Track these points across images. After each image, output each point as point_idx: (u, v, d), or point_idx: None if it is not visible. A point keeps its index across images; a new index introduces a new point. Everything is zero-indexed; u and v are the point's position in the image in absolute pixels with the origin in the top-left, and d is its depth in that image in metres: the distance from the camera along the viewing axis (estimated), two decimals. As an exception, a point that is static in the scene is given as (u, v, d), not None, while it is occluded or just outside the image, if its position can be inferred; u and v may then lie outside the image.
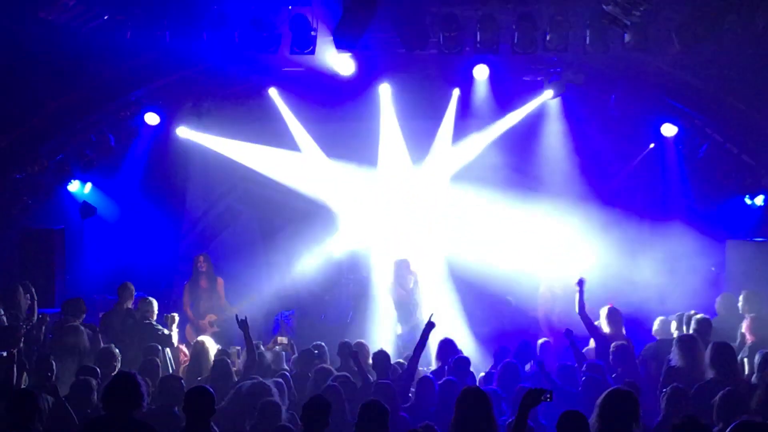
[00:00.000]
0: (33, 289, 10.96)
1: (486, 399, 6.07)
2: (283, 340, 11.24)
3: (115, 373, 6.60)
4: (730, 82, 11.81)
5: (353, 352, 9.12)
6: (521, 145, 13.90)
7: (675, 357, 8.46)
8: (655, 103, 12.99)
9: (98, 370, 8.36)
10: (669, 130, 13.27)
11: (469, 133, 13.89)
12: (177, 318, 10.65)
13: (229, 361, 9.38)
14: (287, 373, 9.13)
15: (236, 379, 8.68)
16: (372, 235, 14.11)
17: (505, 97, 13.30)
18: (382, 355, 8.95)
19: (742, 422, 5.36)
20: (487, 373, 9.63)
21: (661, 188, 13.81)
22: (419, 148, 14.17)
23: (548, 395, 5.60)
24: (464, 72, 12.74)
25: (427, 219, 14.12)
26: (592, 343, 9.97)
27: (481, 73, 12.69)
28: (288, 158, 14.20)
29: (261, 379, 8.12)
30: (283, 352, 10.28)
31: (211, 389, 6.45)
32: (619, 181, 13.93)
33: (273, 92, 13.68)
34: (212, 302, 12.70)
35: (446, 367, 9.08)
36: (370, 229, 14.13)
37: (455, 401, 6.20)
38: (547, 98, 13.15)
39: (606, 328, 9.83)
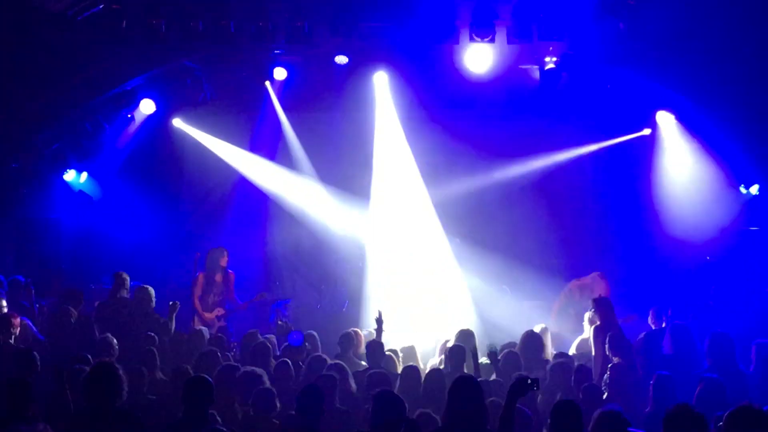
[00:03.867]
0: (30, 280, 10.94)
1: (478, 388, 6.01)
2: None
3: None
4: (726, 71, 11.82)
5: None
6: (521, 142, 13.96)
7: (668, 346, 8.49)
8: (651, 91, 12.99)
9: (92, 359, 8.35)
10: (664, 117, 13.29)
11: (465, 124, 13.88)
12: (178, 305, 10.55)
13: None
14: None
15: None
16: (369, 225, 14.12)
17: (498, 87, 13.27)
18: (375, 345, 8.99)
19: (741, 408, 5.28)
20: None
21: (655, 176, 13.81)
22: (413, 138, 14.17)
23: (536, 384, 5.63)
24: (457, 61, 12.72)
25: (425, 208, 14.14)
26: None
27: (474, 61, 12.64)
28: (284, 149, 14.22)
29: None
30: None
31: (209, 379, 6.45)
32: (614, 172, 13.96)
33: (269, 82, 13.68)
34: (222, 296, 12.62)
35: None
36: (366, 220, 14.13)
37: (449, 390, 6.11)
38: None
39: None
